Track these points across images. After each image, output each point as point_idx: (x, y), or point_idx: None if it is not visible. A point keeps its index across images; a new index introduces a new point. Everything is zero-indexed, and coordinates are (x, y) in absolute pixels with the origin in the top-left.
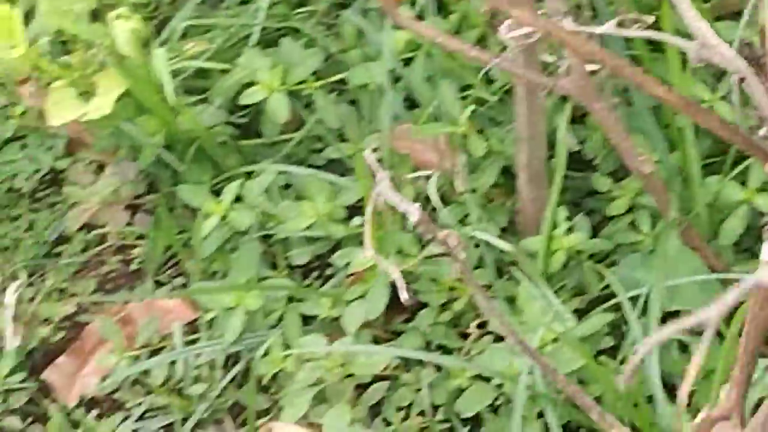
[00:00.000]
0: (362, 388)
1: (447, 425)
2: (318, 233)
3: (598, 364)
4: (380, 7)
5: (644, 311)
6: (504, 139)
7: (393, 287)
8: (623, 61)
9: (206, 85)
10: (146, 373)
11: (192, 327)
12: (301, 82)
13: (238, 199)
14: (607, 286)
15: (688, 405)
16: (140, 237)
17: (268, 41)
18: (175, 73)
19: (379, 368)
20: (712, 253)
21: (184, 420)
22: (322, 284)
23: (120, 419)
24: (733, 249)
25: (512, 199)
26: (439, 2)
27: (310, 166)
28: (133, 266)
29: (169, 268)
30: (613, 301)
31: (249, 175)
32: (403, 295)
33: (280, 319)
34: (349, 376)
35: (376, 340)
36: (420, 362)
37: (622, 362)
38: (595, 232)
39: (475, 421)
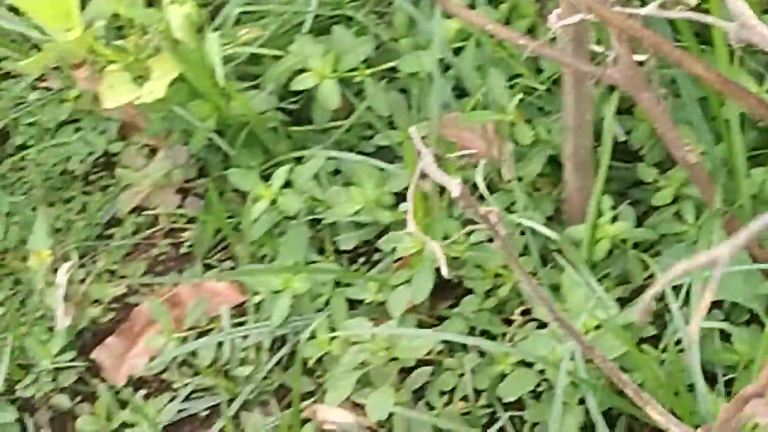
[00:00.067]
0: (406, 372)
1: (489, 410)
2: (365, 219)
3: (640, 351)
4: None
5: (686, 301)
6: (551, 128)
7: (438, 272)
8: (663, 38)
9: (258, 71)
10: (194, 354)
11: (240, 310)
12: (352, 70)
13: (287, 184)
14: (650, 276)
15: (728, 394)
16: (190, 220)
17: (321, 29)
18: (227, 59)
19: (423, 352)
20: (756, 244)
21: (230, 401)
22: (369, 269)
23: (167, 399)
24: None
25: (558, 188)
26: None
27: (359, 152)
28: (183, 249)
29: (219, 251)
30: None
31: (298, 160)
32: (444, 270)
33: (327, 303)
34: (394, 359)
35: (421, 325)
36: (464, 347)
37: (664, 351)
38: (639, 222)
39: (517, 406)
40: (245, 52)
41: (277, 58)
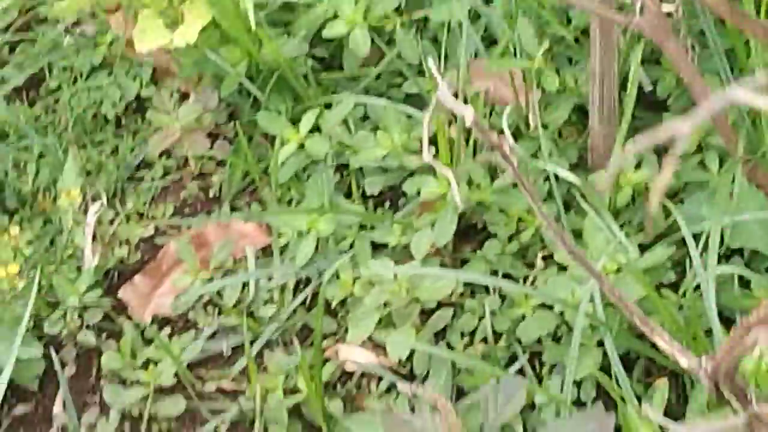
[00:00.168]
0: (427, 314)
1: (509, 352)
2: (392, 164)
3: (659, 296)
4: None
5: (706, 247)
6: (578, 77)
7: (462, 216)
8: None
9: (290, 18)
10: (219, 294)
11: (265, 252)
12: (383, 18)
13: (316, 129)
14: (673, 223)
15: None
16: (219, 164)
17: None
18: (260, 6)
19: (445, 294)
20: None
21: (253, 341)
22: (394, 213)
23: (191, 338)
24: None
25: (583, 136)
26: None
27: (388, 99)
28: (212, 192)
29: (247, 194)
30: (677, 236)
31: (328, 107)
32: (457, 198)
33: (351, 246)
34: (415, 300)
35: (443, 267)
36: (485, 290)
37: (683, 296)
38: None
39: (537, 348)
40: None
41: (309, 5)
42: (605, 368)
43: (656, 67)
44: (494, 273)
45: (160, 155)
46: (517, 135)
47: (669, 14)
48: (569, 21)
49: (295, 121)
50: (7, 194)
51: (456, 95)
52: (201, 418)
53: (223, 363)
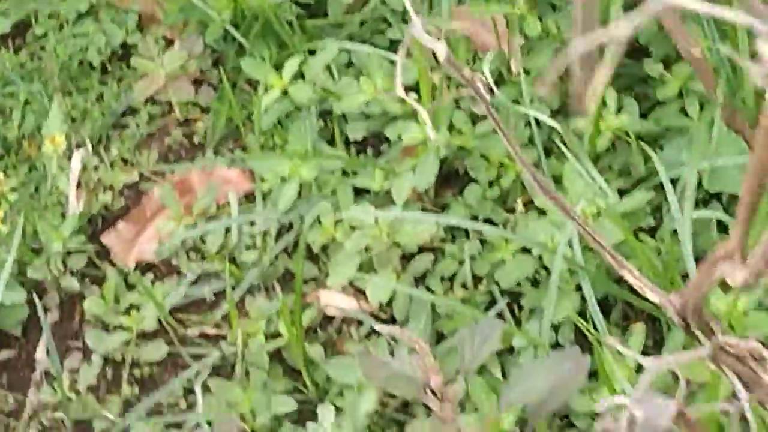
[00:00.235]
0: (408, 260)
1: (488, 297)
2: (375, 110)
3: (637, 240)
4: None
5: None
6: (560, 23)
7: (444, 161)
8: None
9: None
10: (202, 240)
11: (249, 199)
12: None
13: (300, 75)
14: (653, 169)
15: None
16: (204, 111)
17: None
18: None
19: (425, 238)
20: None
21: (235, 287)
22: (377, 159)
23: (174, 283)
24: None
25: (565, 82)
26: None
27: (372, 45)
28: (196, 139)
29: (231, 142)
30: (655, 181)
31: (312, 53)
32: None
33: (334, 192)
34: (396, 245)
35: (425, 212)
36: (465, 235)
37: (662, 240)
38: (645, 117)
39: (516, 294)
40: None
41: None
42: (583, 312)
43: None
44: (475, 218)
45: (145, 102)
46: (499, 81)
47: None
48: None
49: (279, 68)
50: None
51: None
52: (183, 362)
53: (206, 308)
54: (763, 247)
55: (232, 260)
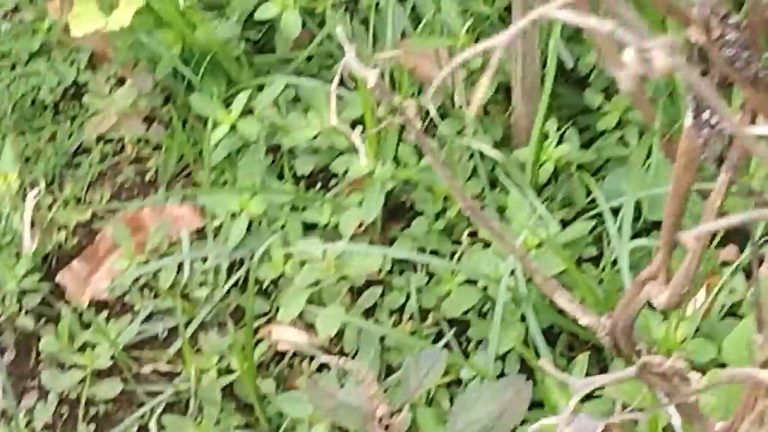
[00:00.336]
0: (356, 293)
1: (436, 328)
2: (323, 144)
3: (579, 270)
4: None
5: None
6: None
7: (390, 195)
8: None
9: (223, 1)
10: (155, 277)
11: (201, 235)
12: (313, 0)
13: (248, 111)
14: (595, 199)
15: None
16: (156, 148)
17: None
18: None
19: (372, 270)
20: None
21: (188, 322)
22: (325, 193)
23: (128, 321)
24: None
25: (508, 113)
26: None
27: (320, 80)
28: (148, 176)
29: (182, 179)
30: (596, 211)
31: (260, 89)
32: (362, 159)
33: (283, 226)
34: (344, 278)
35: (372, 245)
36: (413, 268)
37: (603, 270)
38: (587, 147)
39: (464, 326)
40: None
41: None
42: (529, 343)
43: (578, 44)
44: (421, 250)
45: (98, 140)
46: (443, 113)
47: None
48: (494, 0)
49: (228, 104)
50: None
51: (383, 75)
52: (137, 399)
53: (159, 345)
54: (685, 269)
55: (185, 296)
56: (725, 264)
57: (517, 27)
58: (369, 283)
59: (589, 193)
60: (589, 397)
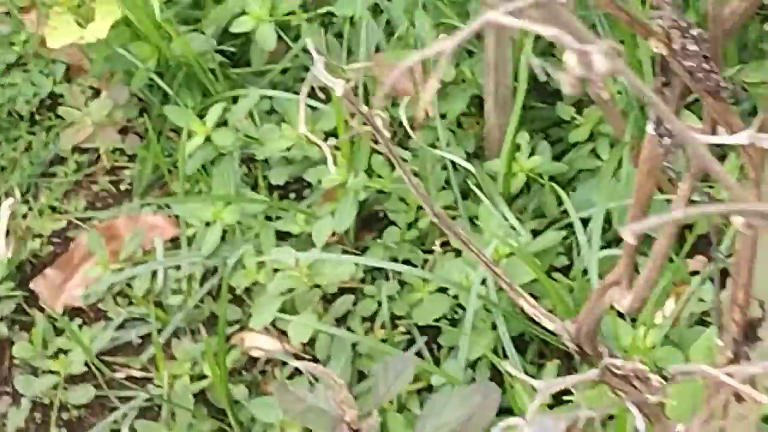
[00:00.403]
0: (329, 302)
1: (408, 336)
2: (296, 155)
3: (550, 279)
4: None
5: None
6: (475, 69)
7: (362, 204)
8: None
9: (199, 15)
10: (129, 285)
11: (175, 244)
12: (288, 14)
13: (223, 123)
14: (565, 210)
15: (633, 321)
16: (131, 159)
17: None
18: (169, 2)
19: (344, 278)
20: (664, 177)
21: (162, 329)
22: (299, 203)
23: (101, 328)
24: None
25: (481, 125)
26: None
27: (295, 93)
28: (123, 186)
29: (157, 188)
30: (567, 221)
31: (235, 101)
32: (331, 168)
33: (257, 236)
34: (316, 286)
35: (345, 254)
36: (385, 276)
37: (574, 279)
38: (559, 160)
39: (434, 332)
40: None
41: (217, 1)
42: (500, 351)
43: (551, 57)
44: (394, 259)
45: (73, 150)
46: (416, 125)
47: (562, 5)
48: (468, 14)
49: (203, 115)
50: None
51: (356, 88)
52: (110, 405)
53: (132, 351)
54: (647, 274)
55: (158, 304)
56: (694, 273)
57: (464, 33)
58: (341, 291)
59: (560, 203)
60: (558, 404)
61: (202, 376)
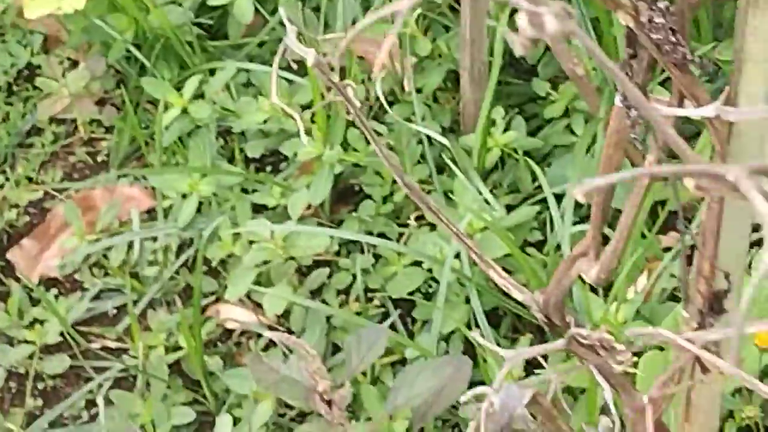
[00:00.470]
0: (305, 274)
1: (382, 310)
2: (273, 128)
3: (524, 253)
4: None
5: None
6: (451, 44)
7: (338, 178)
8: None
9: None
10: (105, 256)
11: (152, 215)
12: None
13: (200, 95)
14: (540, 185)
15: (606, 295)
16: (108, 130)
17: None
18: None
19: (319, 250)
20: (639, 152)
21: (137, 300)
22: (275, 176)
23: (77, 298)
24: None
25: (457, 100)
26: None
27: (271, 66)
28: (100, 158)
29: (134, 159)
30: (542, 197)
31: (212, 73)
32: (303, 138)
33: (233, 208)
34: (291, 258)
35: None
36: (360, 250)
37: (547, 254)
38: (534, 135)
39: (408, 306)
40: None
41: None
42: (473, 325)
43: None
44: (369, 232)
45: (50, 121)
46: (392, 100)
47: None
48: None
49: (180, 87)
50: None
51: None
52: (85, 375)
53: (108, 322)
54: (613, 245)
55: (134, 275)
56: (667, 249)
57: None
58: (316, 264)
59: (535, 179)
60: (526, 375)
61: (177, 347)
